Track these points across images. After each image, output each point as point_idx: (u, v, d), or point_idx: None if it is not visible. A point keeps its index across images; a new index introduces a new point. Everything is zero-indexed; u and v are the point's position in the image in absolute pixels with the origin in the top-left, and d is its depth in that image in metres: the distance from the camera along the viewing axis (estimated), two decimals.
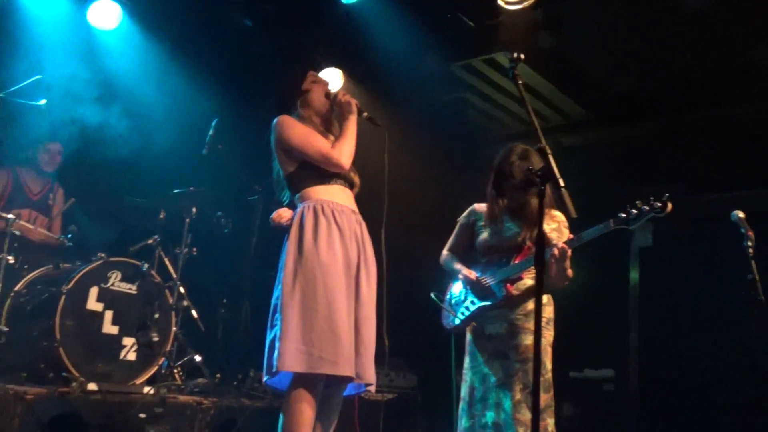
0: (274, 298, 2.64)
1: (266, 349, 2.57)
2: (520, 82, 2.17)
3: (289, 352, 2.44)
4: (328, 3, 5.02)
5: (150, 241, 4.35)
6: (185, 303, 4.31)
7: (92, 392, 3.35)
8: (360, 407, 4.30)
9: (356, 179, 2.91)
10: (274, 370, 2.48)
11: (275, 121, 2.81)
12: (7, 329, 3.72)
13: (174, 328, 4.07)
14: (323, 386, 2.56)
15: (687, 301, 5.06)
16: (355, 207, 2.83)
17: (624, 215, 2.70)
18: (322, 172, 2.74)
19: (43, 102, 4.03)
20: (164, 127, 5.38)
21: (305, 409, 2.48)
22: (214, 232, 4.65)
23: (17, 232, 3.98)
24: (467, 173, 5.61)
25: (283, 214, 3.06)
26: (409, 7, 4.79)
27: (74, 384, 3.34)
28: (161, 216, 4.44)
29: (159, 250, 4.37)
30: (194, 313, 4.43)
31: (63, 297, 3.63)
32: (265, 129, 3.02)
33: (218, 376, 4.41)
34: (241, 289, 4.62)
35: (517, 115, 5.91)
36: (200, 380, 4.21)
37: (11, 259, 3.89)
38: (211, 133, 4.49)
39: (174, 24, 5.47)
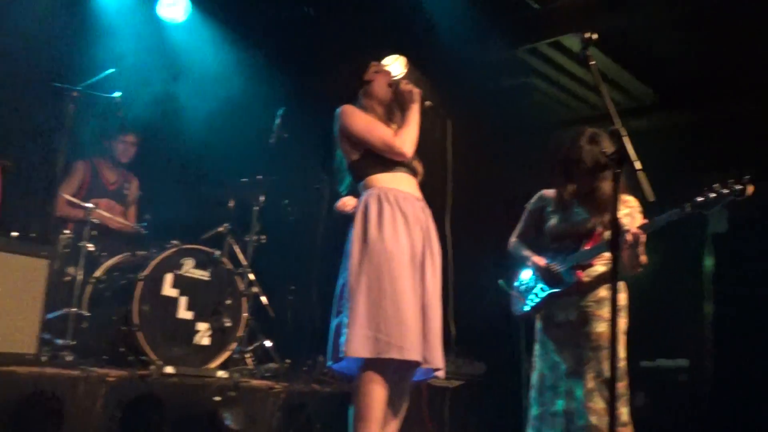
0: (339, 285, 2.70)
1: (331, 335, 2.63)
2: (592, 63, 2.10)
3: (357, 337, 2.46)
4: None
5: (221, 229, 4.43)
6: (255, 289, 4.37)
7: (169, 375, 3.43)
8: (428, 394, 4.32)
9: (419, 167, 2.91)
10: (341, 355, 2.50)
11: (338, 110, 2.85)
12: (88, 314, 3.82)
13: (245, 314, 4.12)
14: (392, 372, 2.56)
15: (763, 288, 4.86)
16: (419, 194, 2.84)
17: (701, 199, 2.59)
18: (386, 160, 2.77)
19: (117, 95, 4.11)
20: (232, 117, 5.46)
21: (376, 390, 2.51)
22: (281, 219, 4.70)
23: (96, 221, 4.10)
24: (533, 159, 5.52)
25: (347, 202, 3.09)
26: None
27: (152, 367, 3.43)
28: (230, 204, 4.50)
29: (229, 238, 4.43)
30: (264, 299, 4.50)
31: (140, 283, 3.70)
32: (329, 118, 3.04)
33: (288, 361, 4.47)
34: (309, 276, 4.66)
35: (583, 99, 5.78)
36: (271, 365, 4.28)
37: (91, 247, 3.99)
38: (277, 122, 4.53)
39: (239, 15, 5.53)
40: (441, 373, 2.76)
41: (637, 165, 1.88)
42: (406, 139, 2.75)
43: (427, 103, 2.90)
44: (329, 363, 2.65)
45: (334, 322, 2.64)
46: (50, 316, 3.65)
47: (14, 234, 3.92)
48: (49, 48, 4.59)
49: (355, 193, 2.90)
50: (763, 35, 4.62)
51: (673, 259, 5.33)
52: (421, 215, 2.76)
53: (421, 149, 2.87)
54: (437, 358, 2.65)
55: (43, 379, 2.97)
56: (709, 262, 5.31)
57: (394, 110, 2.94)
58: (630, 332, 3.12)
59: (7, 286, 3.05)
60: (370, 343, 2.46)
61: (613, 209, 1.98)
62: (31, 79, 4.29)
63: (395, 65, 5.49)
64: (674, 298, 5.31)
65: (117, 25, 5.16)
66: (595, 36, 2.12)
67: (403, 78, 2.96)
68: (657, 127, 5.80)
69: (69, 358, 3.39)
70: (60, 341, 3.56)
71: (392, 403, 2.64)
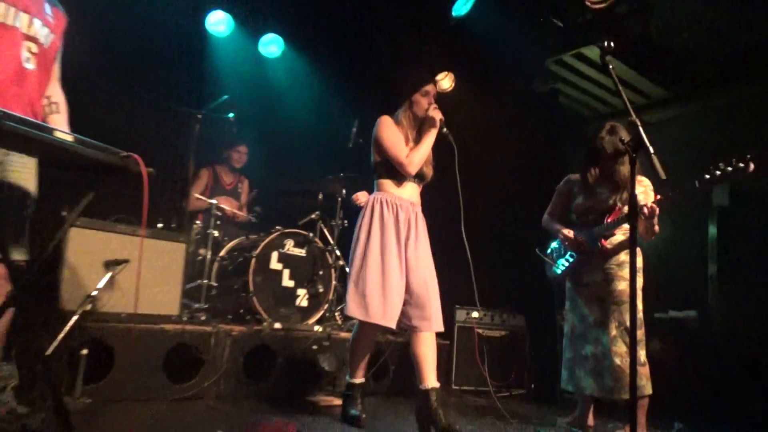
0: (349, 259, 2.87)
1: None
2: (611, 66, 2.00)
3: (353, 302, 2.70)
4: (441, 16, 4.91)
5: (313, 216, 4.47)
6: (341, 262, 4.41)
7: (278, 330, 3.50)
8: (479, 342, 4.28)
9: (429, 172, 2.94)
10: (345, 312, 2.81)
11: (379, 120, 2.89)
12: (216, 284, 3.95)
13: (334, 282, 4.16)
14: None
15: (759, 251, 4.61)
16: (416, 199, 2.93)
17: (708, 176, 2.45)
18: (398, 171, 2.85)
19: (231, 116, 4.21)
20: (318, 128, 5.51)
21: (362, 337, 2.92)
22: (358, 207, 4.72)
23: (218, 213, 4.24)
24: (561, 150, 5.36)
25: (360, 197, 3.38)
26: (508, 13, 4.60)
27: (265, 324, 3.51)
28: (320, 197, 4.54)
29: (320, 223, 4.46)
30: (347, 269, 4.53)
31: (253, 260, 3.78)
32: None
33: None
34: None
35: (602, 99, 5.55)
36: (355, 321, 4.32)
37: (216, 233, 4.11)
38: (354, 130, 4.55)
39: (322, 49, 5.58)
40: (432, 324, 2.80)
41: (651, 149, 1.80)
42: (414, 160, 2.79)
43: (445, 130, 2.87)
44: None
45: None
46: (188, 286, 3.79)
47: (159, 225, 4.10)
48: (181, 80, 4.74)
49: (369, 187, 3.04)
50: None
51: (682, 228, 5.09)
52: (412, 216, 2.84)
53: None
54: (427, 323, 2.75)
55: (185, 333, 3.08)
56: (713, 230, 5.05)
57: (422, 126, 2.93)
58: (645, 289, 3.01)
59: (155, 264, 3.15)
60: (360, 309, 2.68)
61: (632, 188, 1.89)
62: (167, 105, 4.43)
63: (445, 81, 5.43)
64: (683, 260, 5.08)
65: (230, 61, 5.30)
66: (613, 44, 2.03)
67: (433, 105, 2.90)
68: (669, 119, 5.52)
69: (203, 317, 3.51)
70: (196, 305, 3.70)
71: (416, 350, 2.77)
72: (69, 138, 1.76)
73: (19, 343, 2.61)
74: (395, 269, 2.72)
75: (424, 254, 2.85)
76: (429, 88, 2.90)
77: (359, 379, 2.98)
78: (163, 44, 4.65)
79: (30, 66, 2.03)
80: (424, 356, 2.72)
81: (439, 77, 5.25)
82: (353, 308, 2.71)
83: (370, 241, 2.76)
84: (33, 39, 2.03)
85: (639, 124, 1.86)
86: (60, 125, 2.17)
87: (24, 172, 2.10)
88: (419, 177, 2.92)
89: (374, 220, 2.79)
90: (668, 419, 3.49)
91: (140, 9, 4.36)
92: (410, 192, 2.90)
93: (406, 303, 2.74)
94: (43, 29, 2.07)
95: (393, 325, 2.70)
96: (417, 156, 2.81)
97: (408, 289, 2.75)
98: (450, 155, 2.91)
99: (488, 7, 4.59)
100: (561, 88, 5.30)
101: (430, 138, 2.86)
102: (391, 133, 2.83)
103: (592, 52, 4.71)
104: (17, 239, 2.08)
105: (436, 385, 2.69)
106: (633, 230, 1.91)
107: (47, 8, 2.11)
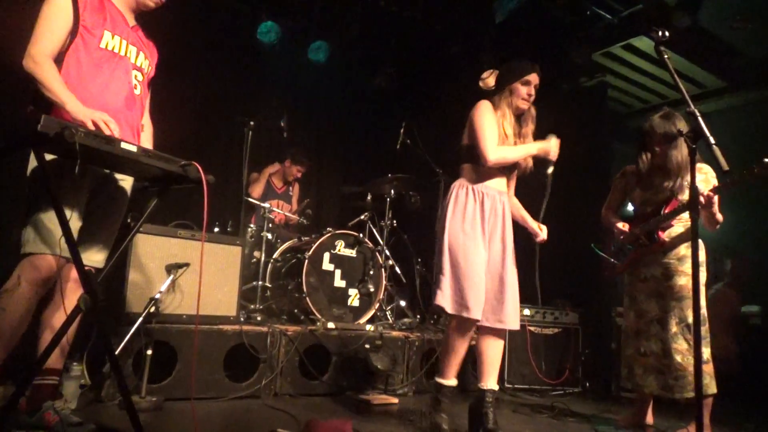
0: (436, 252, 2.67)
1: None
2: (666, 56, 1.91)
3: (442, 294, 2.53)
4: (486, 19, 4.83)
5: (362, 217, 4.50)
6: (390, 262, 4.40)
7: (331, 329, 3.51)
8: (531, 340, 4.19)
9: (526, 165, 2.71)
10: (434, 303, 2.59)
11: (478, 103, 2.66)
12: (270, 285, 4.00)
13: (384, 282, 4.15)
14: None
15: None
16: (503, 188, 2.71)
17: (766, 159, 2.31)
18: None
19: (282, 122, 4.24)
20: (367, 130, 5.54)
21: (456, 335, 2.59)
22: (408, 207, 4.71)
23: (271, 216, 4.31)
24: (613, 144, 5.19)
25: None
26: (554, 8, 4.50)
27: (319, 324, 3.54)
28: (368, 198, 4.55)
29: (369, 224, 4.49)
30: (398, 269, 4.53)
31: (306, 261, 3.81)
32: (440, 128, 2.92)
33: (418, 316, 4.50)
34: (431, 250, 4.63)
35: (652, 90, 5.36)
36: (406, 320, 4.30)
37: (269, 236, 4.15)
38: (401, 132, 4.55)
39: (368, 53, 5.59)
40: (506, 326, 2.61)
41: (712, 140, 1.71)
42: (498, 155, 2.56)
43: (550, 170, 2.64)
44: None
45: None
46: (244, 287, 3.82)
47: (216, 230, 4.20)
48: (234, 91, 4.85)
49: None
50: None
51: (746, 220, 4.84)
52: (498, 206, 2.64)
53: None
54: (505, 319, 2.57)
55: (243, 334, 3.13)
56: None
57: (523, 121, 2.72)
58: (708, 284, 2.88)
59: (214, 267, 3.22)
60: (448, 302, 2.52)
61: (692, 177, 1.81)
62: (223, 114, 4.54)
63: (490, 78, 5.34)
64: (746, 252, 4.85)
65: (282, 68, 5.37)
66: (667, 33, 1.94)
67: (556, 139, 2.67)
68: (725, 109, 5.28)
69: (259, 318, 3.56)
70: (251, 306, 3.75)
71: (483, 350, 2.67)
72: (133, 149, 1.83)
73: (89, 346, 2.73)
74: (481, 262, 2.54)
75: (509, 248, 2.63)
76: (531, 77, 2.66)
77: (449, 380, 2.65)
78: (217, 56, 4.77)
79: (137, 92, 2.26)
80: (488, 356, 2.63)
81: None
82: (443, 301, 2.54)
83: (455, 232, 2.58)
84: (139, 69, 2.27)
85: (698, 114, 1.77)
86: (146, 144, 2.37)
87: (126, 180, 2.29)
88: (512, 169, 2.73)
89: (457, 209, 2.61)
90: (733, 417, 3.33)
91: (195, 22, 4.48)
92: (497, 180, 2.68)
93: (486, 299, 2.58)
94: (146, 61, 2.31)
95: (479, 317, 2.53)
96: (503, 152, 2.58)
97: (487, 285, 2.58)
98: None
99: (534, 1, 4.49)
100: (611, 81, 5.15)
101: (527, 150, 2.63)
102: (486, 118, 2.59)
103: (643, 42, 4.56)
104: (107, 243, 2.23)
105: (495, 387, 2.61)
106: (694, 222, 1.83)
107: (147, 42, 2.36)
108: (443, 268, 2.57)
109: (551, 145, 2.62)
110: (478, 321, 2.55)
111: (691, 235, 1.82)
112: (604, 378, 4.31)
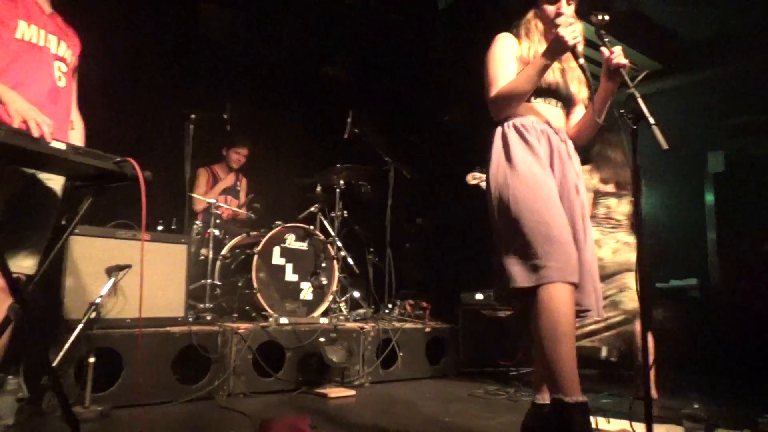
0: (494, 224, 2.02)
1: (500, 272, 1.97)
2: (606, 40, 1.94)
3: (515, 270, 1.88)
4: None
5: (312, 209, 4.44)
6: (343, 254, 4.38)
7: (284, 324, 3.46)
8: (484, 323, 4.26)
9: (575, 93, 2.14)
10: (509, 288, 1.89)
11: (497, 36, 2.13)
12: (219, 283, 3.89)
13: (337, 273, 4.12)
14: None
15: (756, 216, 4.62)
16: (559, 124, 2.11)
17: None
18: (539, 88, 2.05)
19: (225, 116, 4.10)
20: (314, 121, 5.44)
21: (560, 308, 1.82)
22: (359, 197, 4.69)
23: (218, 212, 4.19)
24: None
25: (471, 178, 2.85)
26: None
27: (271, 320, 3.48)
28: (318, 189, 4.50)
29: (319, 215, 4.44)
30: (350, 260, 4.50)
31: (255, 257, 3.74)
32: (389, 116, 2.87)
33: (373, 307, 4.49)
34: (383, 239, 4.64)
35: (594, 75, 5.50)
36: (360, 310, 4.31)
37: (217, 232, 4.06)
38: (348, 121, 4.49)
39: (317, 42, 5.49)
40: (592, 313, 2.03)
41: (651, 120, 1.75)
42: (498, 98, 2.01)
43: (582, 61, 1.95)
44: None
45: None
46: (192, 286, 3.72)
47: (159, 228, 4.05)
48: (173, 83, 4.66)
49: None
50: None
51: (680, 197, 5.10)
52: (562, 147, 2.06)
53: None
54: (589, 301, 1.99)
55: (192, 335, 3.04)
56: (709, 196, 5.06)
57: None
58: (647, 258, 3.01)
59: (159, 268, 3.10)
60: (528, 274, 1.86)
61: (634, 163, 1.83)
62: (164, 107, 4.36)
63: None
64: (681, 228, 5.10)
65: (226, 59, 5.19)
66: (607, 17, 1.96)
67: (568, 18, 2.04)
68: (664, 90, 5.49)
69: (209, 317, 3.47)
70: (201, 305, 3.65)
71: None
72: (62, 146, 1.72)
73: (25, 356, 2.57)
74: (558, 204, 1.93)
75: (586, 204, 2.08)
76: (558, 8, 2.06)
77: (577, 397, 1.77)
78: (155, 48, 4.57)
79: (61, 84, 2.12)
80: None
81: None
82: (520, 277, 1.86)
83: (512, 178, 1.95)
84: (61, 59, 2.12)
85: (637, 95, 1.81)
86: (76, 141, 2.22)
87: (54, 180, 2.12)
88: (560, 97, 2.12)
89: (512, 150, 1.98)
90: (676, 388, 3.49)
91: (134, 14, 4.28)
92: (553, 114, 2.10)
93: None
94: (68, 50, 2.16)
95: (578, 280, 1.88)
96: (504, 92, 2.00)
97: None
98: None
99: None
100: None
101: (536, 66, 1.94)
102: (503, 49, 2.06)
103: (585, 27, 4.65)
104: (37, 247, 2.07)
105: (582, 398, 1.78)
106: (638, 203, 1.86)
107: (67, 29, 2.21)
108: (508, 235, 1.93)
109: (563, 35, 1.90)
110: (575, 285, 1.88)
111: (635, 215, 1.85)
112: None
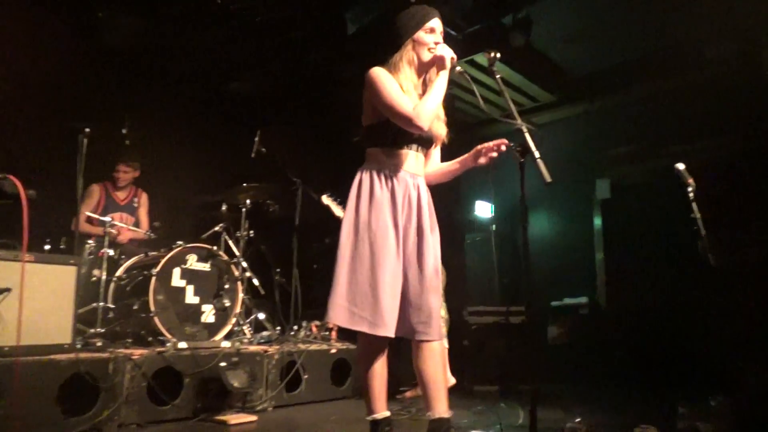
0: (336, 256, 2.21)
1: None
2: (498, 76, 2.10)
3: (334, 306, 2.11)
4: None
5: (217, 228, 4.36)
6: (248, 274, 4.32)
7: (183, 350, 3.35)
8: (392, 342, 4.33)
9: (438, 133, 2.30)
10: (324, 320, 2.21)
11: (369, 72, 2.19)
12: (113, 306, 3.72)
13: (241, 295, 4.05)
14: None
15: (640, 239, 5.08)
16: (419, 170, 2.28)
17: None
18: (395, 135, 2.20)
19: (124, 130, 3.97)
20: (221, 139, 5.34)
21: (365, 354, 2.24)
22: (265, 216, 4.65)
23: (114, 231, 4.00)
24: (458, 152, 5.57)
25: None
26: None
27: (169, 344, 3.36)
28: (223, 208, 4.43)
29: (224, 235, 4.36)
30: (255, 281, 4.44)
31: (153, 278, 3.61)
32: (299, 135, 2.88)
33: (278, 328, 4.45)
34: (290, 260, 4.63)
35: (494, 104, 5.85)
36: (265, 333, 4.25)
37: (111, 252, 3.88)
38: (256, 140, 4.48)
39: (224, 58, 5.41)
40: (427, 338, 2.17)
41: (537, 154, 1.89)
42: (423, 111, 2.10)
43: (458, 69, 2.19)
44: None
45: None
46: (81, 310, 3.52)
47: (47, 248, 3.81)
48: (66, 94, 4.42)
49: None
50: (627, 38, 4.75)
51: (570, 221, 5.51)
52: (412, 192, 2.22)
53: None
54: (418, 330, 2.15)
55: (80, 362, 2.86)
56: (597, 220, 5.51)
57: (428, 74, 2.29)
58: (540, 278, 3.19)
59: (43, 291, 2.90)
60: (345, 314, 2.10)
61: (522, 191, 1.97)
62: (51, 120, 4.12)
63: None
64: (572, 250, 5.49)
65: (127, 71, 4.99)
66: (498, 54, 2.12)
67: (441, 42, 2.25)
68: (556, 120, 5.92)
69: (99, 343, 3.28)
70: (91, 330, 3.46)
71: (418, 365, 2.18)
72: None
73: None
74: (390, 262, 2.12)
75: (430, 240, 2.20)
76: (435, 24, 2.25)
77: (381, 413, 2.26)
78: (47, 57, 4.32)
79: None
80: (430, 375, 2.13)
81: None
82: (336, 314, 2.11)
83: (359, 226, 2.15)
84: None
85: (524, 129, 1.95)
86: None
87: None
88: (423, 142, 2.27)
89: (362, 199, 2.18)
90: (561, 401, 3.72)
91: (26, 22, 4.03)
92: (411, 161, 2.24)
93: (406, 305, 2.14)
94: None
95: (390, 333, 2.11)
96: (427, 105, 2.12)
97: (405, 287, 2.15)
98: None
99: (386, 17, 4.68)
100: (457, 94, 5.52)
101: (441, 82, 2.17)
102: (388, 83, 2.15)
103: (483, 59, 4.95)
104: None
105: (447, 414, 2.11)
106: (525, 230, 2.01)
107: None
108: (339, 274, 2.15)
109: (442, 54, 2.18)
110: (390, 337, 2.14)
111: (522, 241, 2.00)
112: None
